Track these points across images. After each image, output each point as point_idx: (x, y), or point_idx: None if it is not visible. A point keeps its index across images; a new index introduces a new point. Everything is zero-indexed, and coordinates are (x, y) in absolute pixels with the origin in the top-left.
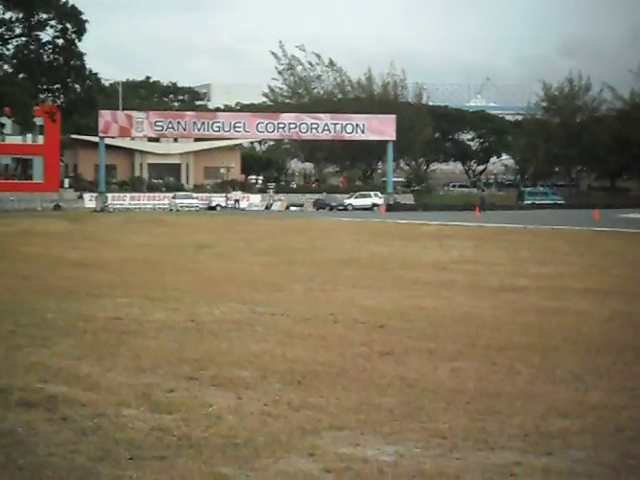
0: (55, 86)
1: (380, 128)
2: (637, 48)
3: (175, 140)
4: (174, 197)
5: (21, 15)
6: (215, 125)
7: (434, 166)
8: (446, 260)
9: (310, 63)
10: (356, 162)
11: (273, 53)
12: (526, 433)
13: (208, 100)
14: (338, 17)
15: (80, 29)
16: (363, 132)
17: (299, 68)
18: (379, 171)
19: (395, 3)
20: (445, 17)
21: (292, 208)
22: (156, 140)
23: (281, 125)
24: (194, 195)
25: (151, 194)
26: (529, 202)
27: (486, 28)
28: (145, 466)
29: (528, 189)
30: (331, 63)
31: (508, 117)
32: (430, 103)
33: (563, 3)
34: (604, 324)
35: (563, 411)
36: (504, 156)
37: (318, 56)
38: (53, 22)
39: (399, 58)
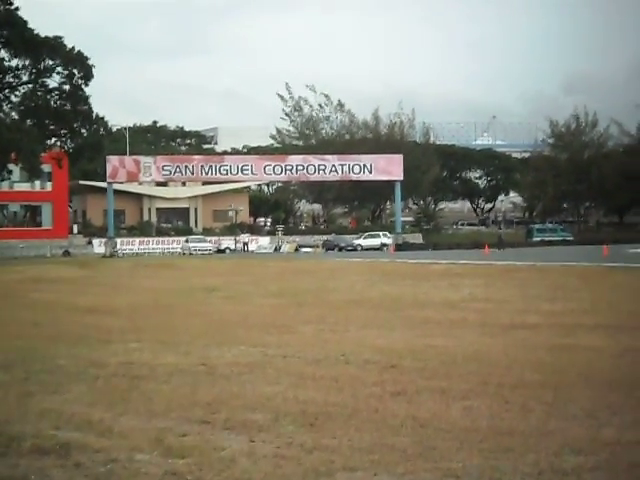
0: (62, 132)
1: (387, 168)
2: None
3: (183, 184)
4: (187, 241)
5: (28, 62)
6: (223, 168)
7: (442, 205)
8: (456, 299)
9: (320, 105)
10: (364, 202)
11: (280, 95)
12: (540, 471)
13: (215, 143)
14: (342, 58)
15: (87, 74)
16: (371, 172)
17: (306, 109)
18: (387, 211)
19: (399, 45)
20: (449, 57)
21: (302, 249)
22: (164, 184)
23: (288, 167)
24: (207, 239)
25: (160, 238)
26: (538, 239)
27: (490, 67)
28: None
29: (537, 226)
30: (340, 104)
31: (515, 154)
32: (437, 142)
33: (564, 40)
34: (616, 360)
35: (576, 448)
36: (512, 194)
37: (327, 97)
38: (60, 68)
39: (404, 98)
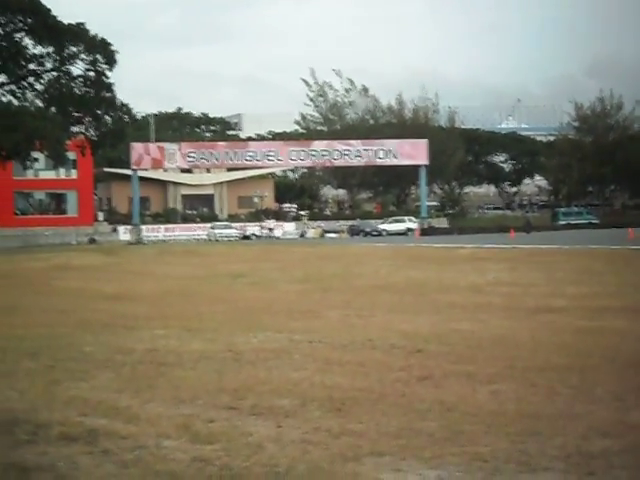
0: (86, 119)
1: (412, 153)
2: None
3: (208, 170)
4: (213, 227)
5: (51, 49)
6: (247, 154)
7: (467, 189)
8: (482, 283)
9: (346, 89)
10: (389, 187)
11: (304, 80)
12: (567, 454)
13: (240, 130)
14: (365, 44)
15: (110, 60)
16: (395, 157)
17: (331, 94)
18: (412, 196)
19: (422, 29)
20: (472, 40)
21: (327, 235)
22: (189, 171)
23: (313, 152)
24: (233, 225)
25: (185, 225)
26: (563, 222)
27: (514, 50)
28: None
29: (562, 209)
30: (364, 89)
31: (540, 138)
32: (462, 126)
33: (588, 22)
34: None
35: (604, 431)
36: (537, 177)
37: (351, 82)
38: (83, 55)
39: (429, 83)
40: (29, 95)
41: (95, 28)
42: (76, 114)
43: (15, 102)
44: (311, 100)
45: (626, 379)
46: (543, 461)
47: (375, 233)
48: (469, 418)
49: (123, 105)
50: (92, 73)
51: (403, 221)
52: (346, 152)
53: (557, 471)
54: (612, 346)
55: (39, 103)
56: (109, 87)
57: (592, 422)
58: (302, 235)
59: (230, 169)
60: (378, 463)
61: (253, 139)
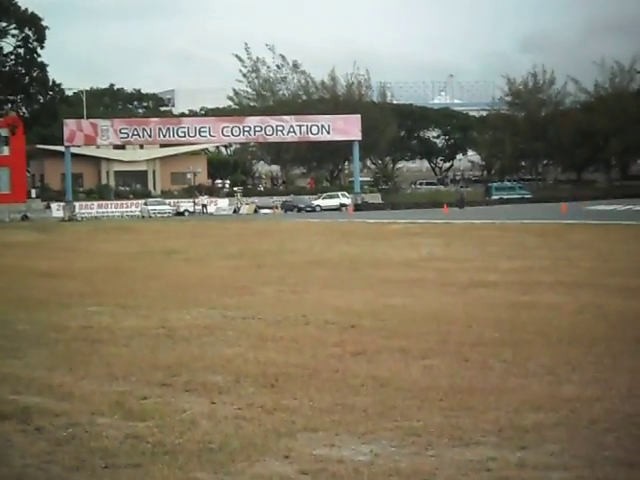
0: (17, 97)
1: (345, 128)
2: (598, 39)
3: (141, 147)
4: (145, 204)
5: None
6: (180, 131)
7: (401, 164)
8: (415, 258)
9: (277, 65)
10: (323, 163)
11: (237, 56)
12: (500, 428)
13: (173, 106)
14: (296, 19)
15: (40, 36)
16: (329, 133)
17: (264, 70)
18: (346, 171)
19: (354, 3)
20: (404, 15)
21: (261, 211)
22: (122, 147)
23: (246, 128)
24: (166, 201)
25: (119, 202)
26: (496, 197)
27: (446, 25)
28: (120, 474)
29: (495, 184)
30: (295, 65)
31: (473, 113)
32: (394, 102)
33: None
34: (575, 317)
35: (536, 405)
36: (470, 152)
37: (283, 57)
38: (14, 31)
39: (361, 58)
40: None
41: (25, 2)
42: (7, 92)
43: None
44: (244, 76)
45: (558, 353)
46: (476, 435)
47: (309, 209)
48: (402, 393)
49: (55, 84)
50: (23, 50)
51: (337, 197)
52: (279, 128)
53: (490, 445)
54: (545, 320)
55: None
56: (41, 66)
57: (525, 396)
58: (235, 211)
59: (163, 145)
60: (312, 439)
61: (186, 115)
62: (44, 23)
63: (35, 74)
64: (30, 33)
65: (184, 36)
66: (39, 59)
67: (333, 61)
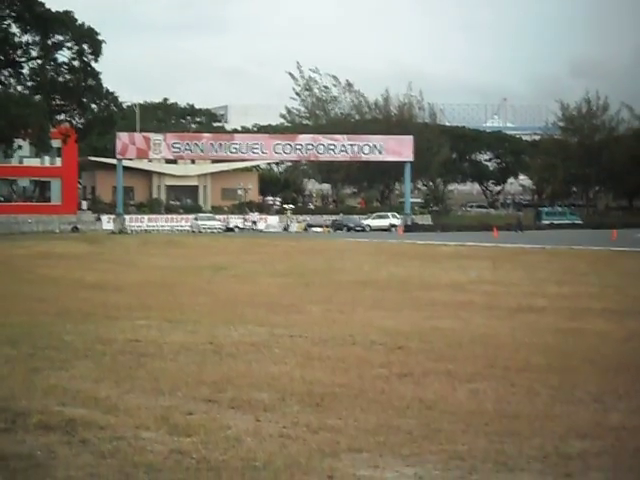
0: (71, 107)
1: (397, 149)
2: None
3: (192, 162)
4: (196, 218)
5: (38, 37)
6: (232, 147)
7: (452, 187)
8: (464, 281)
9: (325, 86)
10: (374, 183)
11: (290, 74)
12: (545, 454)
13: (225, 122)
14: (353, 39)
15: (96, 50)
16: (380, 153)
17: (316, 89)
18: (396, 192)
19: (409, 26)
20: (459, 38)
21: (311, 229)
22: (174, 162)
23: (298, 146)
24: (216, 217)
25: (169, 216)
26: (547, 222)
27: (500, 49)
28: None
29: (546, 209)
30: (348, 85)
31: (525, 137)
32: (447, 124)
33: (574, 22)
34: (622, 344)
35: (582, 432)
36: (521, 176)
37: (335, 78)
38: (69, 44)
39: (415, 80)
40: (14, 83)
41: (82, 14)
42: (61, 102)
43: None
44: (297, 94)
45: (605, 381)
46: (521, 461)
47: (358, 228)
48: (448, 416)
49: (109, 93)
50: (78, 63)
51: (387, 217)
52: (331, 147)
53: (534, 472)
54: (592, 347)
55: (24, 90)
56: (95, 75)
57: (571, 423)
58: (285, 229)
59: (215, 161)
60: (356, 459)
61: (238, 131)
62: (100, 37)
63: (89, 83)
64: (86, 47)
65: (239, 52)
66: (93, 70)
67: (385, 82)
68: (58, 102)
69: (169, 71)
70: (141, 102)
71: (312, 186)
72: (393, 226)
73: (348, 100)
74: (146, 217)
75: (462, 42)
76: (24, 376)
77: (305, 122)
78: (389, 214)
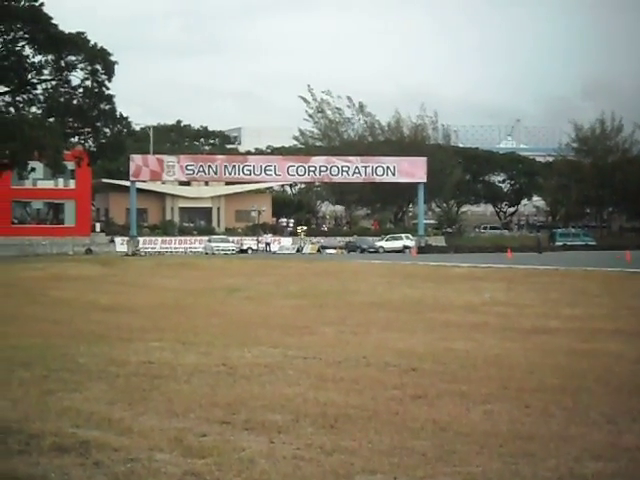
0: (85, 130)
1: (411, 170)
2: None
3: (206, 184)
4: (209, 240)
5: (51, 58)
6: (246, 168)
7: (465, 208)
8: (478, 302)
9: (337, 108)
10: (387, 204)
11: (302, 97)
12: (560, 476)
13: (239, 143)
14: (365, 62)
15: (109, 70)
16: (394, 174)
17: (329, 111)
18: (410, 213)
19: (421, 49)
20: (472, 60)
21: (325, 250)
22: (187, 184)
23: (312, 168)
24: (230, 238)
25: (182, 238)
26: (560, 244)
27: (512, 70)
28: None
29: (559, 230)
30: (361, 107)
31: (539, 158)
32: (460, 145)
33: (587, 44)
34: (635, 366)
35: (596, 453)
36: (535, 197)
37: (349, 99)
38: (83, 64)
39: (428, 102)
40: (27, 105)
41: (95, 38)
42: (75, 125)
43: (13, 111)
44: (310, 116)
45: (619, 402)
46: None
47: (372, 250)
48: (462, 438)
49: (122, 118)
50: (91, 84)
51: (400, 239)
52: (345, 168)
53: None
54: (606, 369)
55: (38, 112)
56: (109, 99)
57: (585, 444)
58: (299, 250)
59: (228, 183)
60: None
61: (252, 153)
62: (113, 58)
63: (103, 107)
64: (99, 67)
65: (252, 75)
66: (107, 92)
67: (397, 104)
68: (71, 125)
69: (182, 94)
70: (155, 124)
71: (325, 208)
72: (407, 247)
73: (361, 122)
74: (159, 239)
75: (474, 64)
76: (38, 398)
77: (318, 144)
78: (402, 235)
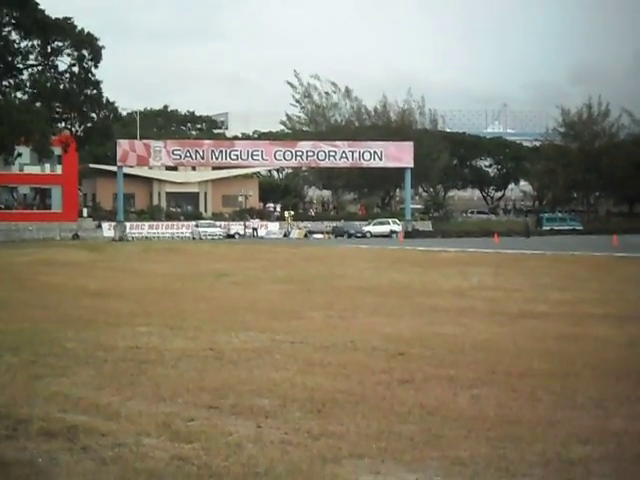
0: (72, 114)
1: (398, 155)
2: None
3: (193, 169)
4: (197, 225)
5: (37, 43)
6: (233, 153)
7: (452, 193)
8: (465, 287)
9: (327, 92)
10: (374, 189)
11: (289, 83)
12: (547, 460)
13: (226, 128)
14: (353, 47)
15: (96, 56)
16: (381, 159)
17: (316, 96)
18: (397, 198)
19: (409, 32)
20: (458, 44)
21: (312, 235)
22: (174, 169)
23: (299, 153)
24: (217, 223)
25: (170, 223)
26: (548, 228)
27: (500, 55)
28: None
29: (547, 215)
30: (347, 91)
31: (526, 143)
32: (447, 130)
33: (574, 29)
34: (624, 350)
35: (584, 438)
36: (522, 182)
37: (334, 84)
38: (69, 50)
39: (415, 87)
40: (14, 89)
41: (82, 23)
42: (61, 110)
43: (0, 96)
44: (297, 101)
45: (607, 386)
46: (523, 467)
47: (359, 235)
48: (450, 422)
49: (109, 103)
50: (78, 69)
51: (387, 223)
52: (332, 153)
53: (536, 477)
54: (594, 353)
55: (24, 97)
56: (96, 84)
57: (572, 429)
58: (286, 235)
59: (215, 168)
60: (357, 465)
61: (239, 138)
62: (100, 43)
63: (89, 92)
64: (86, 53)
65: (239, 60)
66: (93, 78)
67: (385, 90)
68: (58, 110)
69: (169, 78)
70: (141, 109)
71: (313, 193)
72: (394, 232)
73: (348, 107)
74: (147, 224)
75: (462, 49)
76: (25, 383)
77: (305, 129)
78: (390, 220)
